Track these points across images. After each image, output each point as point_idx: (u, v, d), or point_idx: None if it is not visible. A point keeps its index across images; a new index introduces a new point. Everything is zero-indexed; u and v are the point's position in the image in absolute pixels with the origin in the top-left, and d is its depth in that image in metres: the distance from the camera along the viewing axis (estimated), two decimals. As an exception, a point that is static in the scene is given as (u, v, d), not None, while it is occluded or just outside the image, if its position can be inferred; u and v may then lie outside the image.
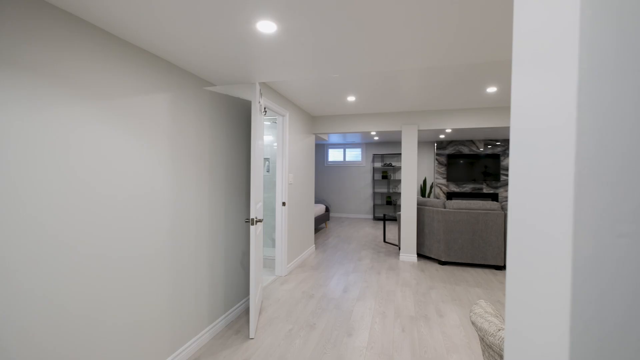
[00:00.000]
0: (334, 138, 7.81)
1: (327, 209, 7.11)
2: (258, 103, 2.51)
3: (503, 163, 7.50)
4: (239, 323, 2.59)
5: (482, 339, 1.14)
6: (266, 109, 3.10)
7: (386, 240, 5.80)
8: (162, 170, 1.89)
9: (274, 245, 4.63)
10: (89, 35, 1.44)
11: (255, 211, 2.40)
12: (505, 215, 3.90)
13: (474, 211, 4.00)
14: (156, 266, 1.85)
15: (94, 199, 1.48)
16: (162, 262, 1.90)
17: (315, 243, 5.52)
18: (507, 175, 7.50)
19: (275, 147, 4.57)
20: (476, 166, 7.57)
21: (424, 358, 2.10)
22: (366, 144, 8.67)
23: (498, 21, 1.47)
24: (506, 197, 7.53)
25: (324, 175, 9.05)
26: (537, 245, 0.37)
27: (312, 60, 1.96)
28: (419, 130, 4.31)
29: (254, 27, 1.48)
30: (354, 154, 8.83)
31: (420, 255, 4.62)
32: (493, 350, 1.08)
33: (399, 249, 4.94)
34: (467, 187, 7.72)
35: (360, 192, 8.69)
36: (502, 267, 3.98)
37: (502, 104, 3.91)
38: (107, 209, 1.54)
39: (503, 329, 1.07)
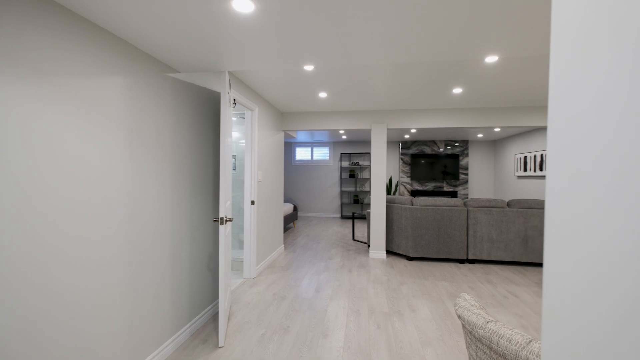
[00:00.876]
0: (301, 137, 7.72)
1: (295, 208, 7.00)
2: (227, 94, 2.35)
3: (462, 162, 7.96)
4: (206, 331, 2.40)
5: (469, 332, 1.14)
6: (235, 101, 2.92)
7: (355, 238, 5.84)
8: (116, 163, 1.66)
9: (241, 247, 4.42)
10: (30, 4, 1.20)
11: (225, 210, 2.24)
12: (468, 212, 4.11)
13: (440, 208, 4.16)
14: (110, 274, 1.62)
15: (24, 201, 1.24)
16: (117, 270, 1.67)
17: (284, 243, 5.39)
18: (465, 174, 7.98)
19: (242, 144, 4.37)
20: (437, 165, 7.95)
21: (400, 354, 2.10)
22: (334, 143, 8.70)
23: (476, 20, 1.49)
24: (465, 195, 8.01)
25: (292, 174, 8.92)
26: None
27: (290, 47, 1.86)
28: (387, 129, 4.38)
29: (229, 5, 1.35)
30: (321, 153, 8.82)
31: (389, 252, 4.71)
32: (482, 343, 1.07)
33: (368, 246, 4.99)
34: (430, 186, 8.08)
35: (328, 191, 8.69)
36: (464, 261, 4.19)
37: (467, 105, 4.10)
38: (39, 214, 1.30)
39: (492, 321, 1.07)
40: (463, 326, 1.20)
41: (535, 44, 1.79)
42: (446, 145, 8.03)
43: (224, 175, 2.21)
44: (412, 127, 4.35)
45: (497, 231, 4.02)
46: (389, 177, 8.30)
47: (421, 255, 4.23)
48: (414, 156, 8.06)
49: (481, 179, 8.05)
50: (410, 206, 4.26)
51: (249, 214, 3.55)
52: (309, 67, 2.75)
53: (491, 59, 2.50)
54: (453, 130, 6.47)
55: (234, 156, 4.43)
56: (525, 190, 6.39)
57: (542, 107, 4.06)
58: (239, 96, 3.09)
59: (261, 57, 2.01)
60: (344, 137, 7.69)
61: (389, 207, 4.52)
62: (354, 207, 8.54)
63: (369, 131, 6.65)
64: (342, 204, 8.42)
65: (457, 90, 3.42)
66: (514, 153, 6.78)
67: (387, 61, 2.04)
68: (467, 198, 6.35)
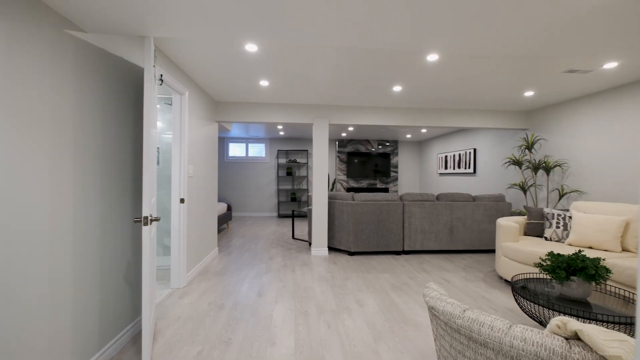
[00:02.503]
0: (235, 131, 7.22)
1: (229, 208, 6.50)
2: (153, 67, 1.94)
3: (392, 161, 8.51)
4: (125, 357, 1.94)
5: (445, 323, 1.08)
6: (162, 78, 2.47)
7: (295, 236, 5.68)
8: (-17, 142, 1.17)
9: (166, 253, 3.84)
10: None
11: (150, 207, 1.83)
12: (404, 206, 4.33)
13: (379, 202, 4.29)
14: (-29, 299, 1.13)
15: None
16: (-15, 292, 1.18)
17: (218, 246, 4.92)
18: (396, 172, 8.55)
19: (168, 137, 3.79)
20: (371, 164, 8.34)
21: (354, 352, 2.01)
22: (270, 139, 8.39)
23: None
24: (395, 191, 8.58)
25: (225, 171, 8.30)
26: None
27: (232, 9, 1.59)
28: (329, 125, 4.34)
29: None
30: (257, 150, 8.42)
31: (330, 248, 4.68)
32: (459, 333, 1.02)
33: (310, 244, 4.89)
34: (364, 183, 8.43)
35: (264, 189, 8.35)
36: (401, 252, 4.40)
37: (404, 105, 4.30)
38: None
39: (467, 309, 1.03)
40: (436, 317, 1.14)
41: (475, 43, 1.89)
42: (379, 144, 8.48)
43: (149, 166, 1.81)
44: (354, 123, 4.40)
45: (428, 223, 4.34)
46: (327, 175, 8.38)
47: (362, 250, 4.30)
48: (350, 154, 8.29)
49: (409, 176, 8.74)
50: (352, 202, 4.30)
51: (178, 214, 3.07)
52: (251, 47, 2.48)
53: (432, 57, 2.62)
54: (388, 129, 6.84)
55: (157, 148, 3.81)
56: (446, 185, 7.14)
57: (468, 110, 4.53)
58: (167, 76, 2.63)
59: (196, 21, 1.69)
60: (282, 133, 7.46)
61: (330, 204, 4.49)
62: (292, 205, 8.37)
63: (306, 128, 6.57)
64: (279, 203, 8.17)
65: (397, 88, 3.54)
66: (437, 153, 7.53)
67: (338, 43, 1.93)
68: (397, 194, 6.78)
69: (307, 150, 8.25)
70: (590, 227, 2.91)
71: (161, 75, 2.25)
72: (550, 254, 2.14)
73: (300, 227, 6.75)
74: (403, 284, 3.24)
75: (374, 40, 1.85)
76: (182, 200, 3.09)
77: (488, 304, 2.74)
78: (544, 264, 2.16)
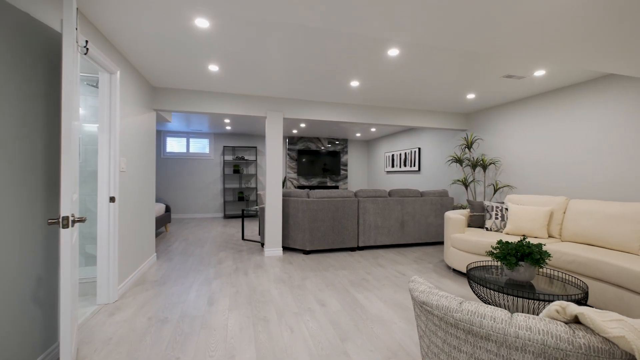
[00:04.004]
0: (175, 124, 6.53)
1: (168, 209, 5.85)
2: (75, 29, 1.54)
3: (342, 159, 8.62)
4: (34, 400, 1.50)
5: (440, 319, 1.01)
6: (88, 46, 2.01)
7: (245, 237, 5.34)
8: None
9: (88, 263, 3.22)
10: None
11: (72, 205, 1.45)
12: (359, 202, 4.36)
13: (334, 199, 4.24)
14: None
15: None
16: None
17: (156, 251, 4.35)
18: (345, 170, 8.68)
19: (90, 128, 3.18)
20: (321, 162, 8.33)
21: (322, 355, 1.88)
22: (215, 134, 7.81)
23: None
24: (345, 189, 8.70)
25: (162, 168, 7.47)
26: None
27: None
28: (283, 119, 4.14)
29: None
30: (200, 145, 7.76)
31: (285, 248, 4.49)
32: (457, 328, 0.95)
33: (262, 244, 4.62)
34: (315, 181, 8.38)
35: (209, 189, 7.74)
36: (355, 248, 4.42)
37: (361, 102, 4.30)
38: None
39: (464, 301, 0.97)
40: (427, 313, 1.06)
41: (438, 31, 1.92)
42: (329, 142, 8.51)
43: (69, 154, 1.42)
44: (309, 118, 4.27)
45: (381, 218, 4.43)
46: (276, 173, 8.12)
47: (317, 248, 4.20)
48: (300, 152, 8.16)
49: (358, 175, 8.96)
50: (307, 199, 4.17)
51: (107, 216, 2.58)
52: (202, 23, 2.18)
53: (393, 52, 2.63)
54: (340, 127, 6.87)
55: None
56: (393, 183, 7.48)
57: (417, 110, 4.74)
58: (94, 50, 2.16)
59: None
60: (228, 128, 6.99)
61: (284, 201, 4.29)
62: (239, 205, 7.92)
63: (256, 123, 6.26)
64: (225, 202, 7.66)
65: (355, 84, 3.52)
66: (384, 152, 7.85)
67: (301, 20, 1.78)
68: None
69: (255, 147, 7.88)
70: (523, 217, 3.25)
71: (86, 41, 1.82)
72: (500, 242, 2.29)
73: (250, 227, 6.40)
74: (362, 280, 3.22)
75: (338, 21, 1.74)
76: (112, 199, 2.61)
77: (442, 293, 2.85)
78: (495, 252, 2.30)
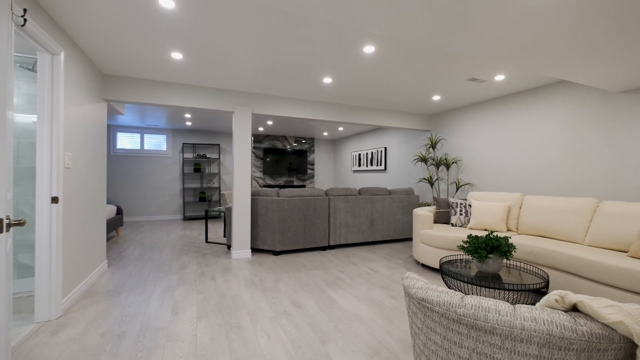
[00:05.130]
0: (128, 118, 5.97)
1: (119, 211, 5.31)
2: (10, -8, 1.29)
3: (309, 158, 8.56)
4: None
5: (442, 315, 0.98)
6: (26, 17, 1.70)
7: (209, 240, 5.03)
8: None
9: (23, 275, 2.77)
10: None
11: (6, 206, 1.20)
12: (329, 200, 4.32)
13: (305, 198, 4.16)
14: None
15: None
16: None
17: (107, 258, 3.91)
18: (312, 169, 8.63)
19: (22, 118, 2.74)
20: (287, 160, 8.19)
21: (303, 359, 1.80)
22: (174, 130, 7.29)
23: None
24: (315, 188, 8.65)
25: (112, 166, 6.79)
26: None
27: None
28: (252, 115, 3.96)
29: None
30: (156, 142, 7.19)
31: (253, 249, 4.30)
32: (460, 323, 0.93)
33: (229, 247, 4.38)
34: (281, 180, 8.21)
35: (166, 189, 7.20)
36: (326, 247, 4.38)
37: (332, 100, 4.25)
38: None
39: (465, 295, 0.95)
40: (426, 310, 1.03)
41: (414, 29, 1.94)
42: (295, 141, 8.40)
43: (4, 146, 1.17)
44: (279, 115, 4.14)
45: (352, 217, 4.45)
46: (240, 172, 7.81)
47: (288, 248, 4.09)
48: (266, 150, 7.94)
49: (325, 174, 8.96)
50: (277, 198, 4.04)
51: (48, 219, 2.23)
52: (168, 3, 1.97)
53: (369, 48, 2.62)
54: (308, 125, 6.80)
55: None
56: (359, 182, 7.59)
57: (385, 110, 4.83)
58: (32, 24, 1.83)
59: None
60: (189, 123, 6.56)
61: (253, 201, 4.11)
62: (201, 206, 7.48)
63: (220, 119, 5.96)
64: (184, 203, 7.18)
65: (328, 80, 3.47)
66: (351, 151, 7.94)
67: (275, 3, 1.68)
68: (317, 190, 6.83)
69: (219, 145, 7.50)
70: (484, 213, 3.45)
71: (24, 10, 1.53)
72: (470, 237, 2.39)
73: (214, 229, 6.06)
74: (336, 279, 3.18)
75: (313, 8, 1.67)
76: (54, 200, 2.26)
77: (415, 288, 2.92)
78: (466, 246, 2.40)
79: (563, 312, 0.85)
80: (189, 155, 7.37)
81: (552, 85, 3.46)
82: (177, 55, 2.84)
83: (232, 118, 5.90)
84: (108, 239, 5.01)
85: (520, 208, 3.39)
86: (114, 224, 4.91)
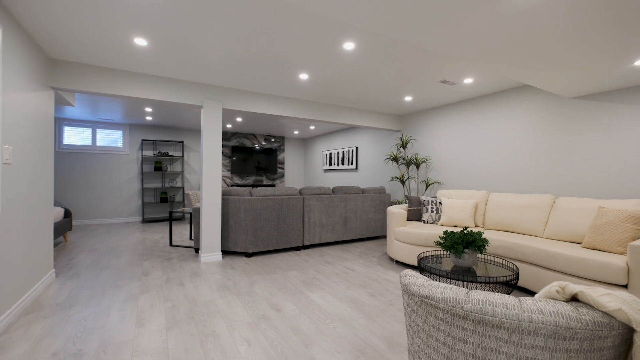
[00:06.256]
0: (78, 110, 5.38)
1: (68, 214, 4.77)
2: None
3: (279, 157, 8.39)
4: None
5: (447, 312, 0.96)
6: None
7: (173, 243, 4.70)
8: None
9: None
10: None
11: None
12: (304, 199, 4.25)
13: (279, 197, 4.04)
14: None
15: None
16: None
17: (55, 267, 3.47)
18: (282, 168, 8.47)
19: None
20: (257, 159, 7.95)
21: (289, 367, 1.71)
22: (132, 125, 6.73)
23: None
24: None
25: (58, 164, 6.09)
26: None
27: None
28: (222, 110, 3.75)
29: None
30: (110, 138, 6.58)
31: (224, 252, 4.09)
32: (467, 319, 0.92)
33: (196, 250, 4.12)
34: (250, 179, 7.95)
35: (122, 189, 6.63)
36: (300, 247, 4.30)
37: (307, 98, 4.16)
38: None
39: (469, 290, 0.94)
40: (429, 307, 1.01)
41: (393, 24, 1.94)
42: (265, 139, 8.19)
43: None
44: (253, 111, 3.98)
45: (326, 216, 4.41)
46: (206, 171, 7.43)
47: (261, 249, 3.94)
48: (234, 149, 7.64)
49: (295, 173, 8.85)
50: (250, 197, 3.87)
51: (-17, 222, 1.90)
52: (135, -21, 1.76)
53: (349, 45, 2.59)
54: (279, 123, 6.65)
55: None
56: (331, 181, 7.59)
57: (358, 109, 4.86)
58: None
59: None
60: (149, 118, 6.09)
61: (224, 201, 3.91)
62: (162, 207, 6.99)
63: (186, 115, 5.61)
64: (144, 205, 6.66)
65: (304, 76, 3.39)
66: (322, 150, 7.92)
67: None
68: (288, 190, 6.71)
69: (182, 142, 7.06)
70: (454, 210, 3.60)
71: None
72: (446, 232, 2.46)
73: (178, 231, 5.68)
74: (313, 279, 3.12)
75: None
76: (-10, 201, 1.93)
77: (392, 285, 2.95)
78: (442, 242, 2.47)
79: (565, 303, 0.87)
80: (149, 153, 6.85)
81: (515, 90, 3.71)
82: (141, 41, 2.58)
83: (199, 113, 5.57)
84: (55, 245, 4.47)
85: (486, 205, 3.59)
86: (62, 229, 4.39)
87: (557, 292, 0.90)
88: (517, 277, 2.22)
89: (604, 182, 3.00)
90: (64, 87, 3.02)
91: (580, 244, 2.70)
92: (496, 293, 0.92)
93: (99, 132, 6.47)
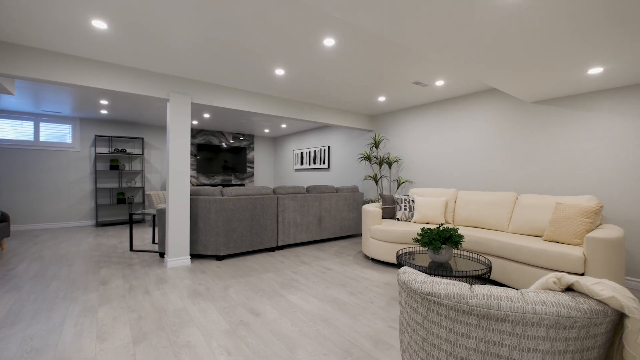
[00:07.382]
0: (16, 102, 4.76)
1: (5, 218, 4.20)
2: None
3: (248, 156, 8.13)
4: None
5: (451, 308, 0.95)
6: None
7: (134, 248, 4.33)
8: None
9: None
10: None
11: None
12: (278, 199, 4.14)
13: (252, 197, 3.90)
14: None
15: None
16: None
17: (-11, 279, 3.02)
18: (252, 167, 8.21)
19: None
20: (224, 158, 7.64)
21: (274, 374, 1.62)
22: (83, 119, 6.10)
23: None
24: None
25: (-10, 162, 5.34)
26: None
27: None
28: (191, 104, 3.51)
29: None
30: (57, 132, 5.91)
31: (193, 256, 3.84)
32: (472, 315, 0.91)
33: (161, 254, 3.83)
34: (218, 179, 7.61)
35: (71, 189, 5.99)
36: (274, 248, 4.18)
37: (279, 94, 4.04)
38: None
39: (472, 286, 0.94)
40: (432, 304, 0.99)
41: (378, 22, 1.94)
42: (233, 138, 7.89)
43: None
44: (224, 106, 3.78)
45: (300, 215, 4.34)
46: (169, 170, 6.97)
47: (233, 252, 3.77)
48: (200, 147, 7.26)
49: (265, 172, 8.63)
50: (221, 197, 3.68)
51: None
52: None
53: (329, 41, 2.55)
54: (249, 120, 6.43)
55: None
56: (302, 181, 7.51)
57: (332, 108, 4.84)
58: None
59: None
60: (105, 112, 5.56)
61: (193, 201, 3.67)
62: (119, 209, 6.44)
63: (148, 108, 5.21)
64: (97, 206, 6.08)
65: (280, 72, 3.30)
66: (293, 149, 7.81)
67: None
68: (258, 190, 6.52)
69: (142, 139, 6.55)
70: (426, 207, 3.73)
71: None
72: (423, 229, 2.52)
73: (138, 235, 5.25)
74: (291, 280, 3.03)
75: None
76: None
77: (370, 283, 2.97)
78: (420, 238, 2.52)
79: (563, 293, 0.90)
80: (103, 150, 6.26)
81: (482, 93, 3.93)
82: (99, 24, 2.32)
83: (163, 107, 5.20)
84: (-12, 255, 3.90)
85: (455, 202, 3.76)
86: (-2, 235, 3.84)
87: (554, 282, 0.93)
88: (489, 270, 2.34)
89: (560, 180, 3.28)
90: (4, 72, 2.62)
91: (541, 237, 2.91)
92: (498, 287, 0.94)
93: (42, 125, 5.77)
